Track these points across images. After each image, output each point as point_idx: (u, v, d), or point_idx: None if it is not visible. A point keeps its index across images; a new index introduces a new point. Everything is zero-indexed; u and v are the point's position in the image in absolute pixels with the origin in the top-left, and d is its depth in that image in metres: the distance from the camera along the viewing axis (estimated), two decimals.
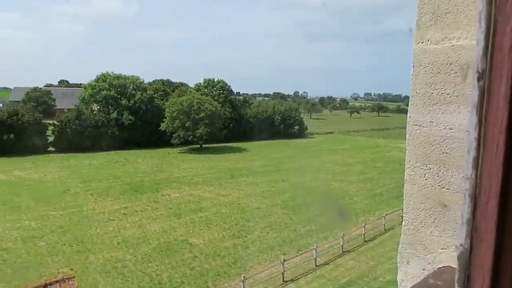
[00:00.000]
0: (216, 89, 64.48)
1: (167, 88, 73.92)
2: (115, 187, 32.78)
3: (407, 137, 1.36)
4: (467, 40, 1.16)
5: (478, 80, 0.44)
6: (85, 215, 25.50)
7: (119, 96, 55.52)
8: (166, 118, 52.01)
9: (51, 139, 50.41)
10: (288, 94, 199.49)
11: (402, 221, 1.43)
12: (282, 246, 21.40)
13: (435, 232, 1.32)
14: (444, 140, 1.26)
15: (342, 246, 21.01)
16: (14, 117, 46.48)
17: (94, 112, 54.82)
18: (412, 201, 1.35)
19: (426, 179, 1.30)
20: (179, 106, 51.10)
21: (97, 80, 57.74)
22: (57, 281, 7.44)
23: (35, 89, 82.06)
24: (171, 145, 53.29)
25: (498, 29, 0.40)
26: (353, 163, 46.83)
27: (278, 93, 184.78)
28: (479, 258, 0.45)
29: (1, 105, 68.92)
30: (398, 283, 1.46)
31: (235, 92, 75.47)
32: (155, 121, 54.08)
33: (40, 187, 32.31)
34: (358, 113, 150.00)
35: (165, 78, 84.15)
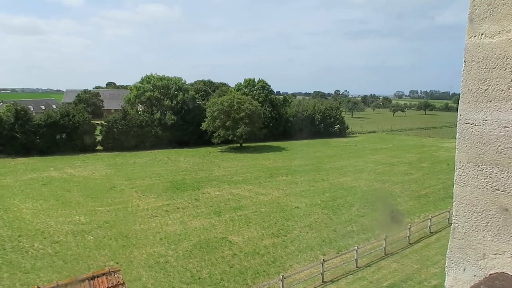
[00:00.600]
0: (256, 88, 64.77)
1: (208, 88, 75.29)
2: (158, 185, 33.83)
3: (457, 136, 1.29)
4: None
5: None
6: (129, 211, 26.51)
7: (162, 96, 57.21)
8: (207, 117, 52.95)
9: (99, 138, 52.89)
10: (328, 93, 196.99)
11: (451, 224, 1.36)
12: (321, 246, 21.15)
13: (487, 237, 1.25)
14: (498, 139, 1.19)
15: (384, 248, 20.42)
16: (66, 117, 49.22)
17: (139, 112, 56.86)
18: (462, 203, 1.28)
19: (478, 181, 1.23)
20: (220, 106, 51.85)
21: (141, 81, 59.83)
22: (103, 274, 7.76)
23: (85, 91, 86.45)
24: (212, 144, 54.21)
25: None
26: (396, 163, 45.40)
27: (319, 92, 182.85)
28: None
29: (55, 107, 73.20)
30: None
31: (275, 91, 75.37)
32: (196, 121, 55.23)
33: (89, 184, 33.99)
34: (403, 111, 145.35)
35: (206, 78, 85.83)
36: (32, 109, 63.09)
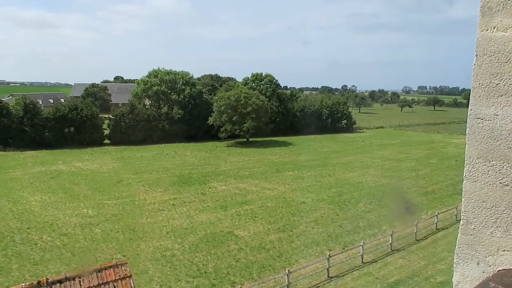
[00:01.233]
0: (264, 83, 64.61)
1: (215, 82, 75.37)
2: (164, 179, 34.01)
3: (467, 132, 1.28)
4: None
5: None
6: (137, 204, 26.71)
7: (169, 91, 57.31)
8: (214, 112, 52.99)
9: (106, 132, 53.23)
10: (336, 88, 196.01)
11: (460, 220, 1.35)
12: (327, 241, 21.16)
13: (496, 233, 1.24)
14: (510, 135, 1.17)
15: (391, 244, 20.38)
16: (74, 111, 49.55)
17: (146, 106, 57.06)
18: (472, 199, 1.27)
19: (488, 176, 1.21)
20: (227, 101, 51.84)
21: (149, 76, 59.95)
22: (111, 266, 7.84)
23: (93, 85, 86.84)
24: (219, 139, 54.29)
25: None
26: (404, 159, 45.14)
27: (326, 87, 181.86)
28: None
29: (63, 100, 73.73)
30: (454, 285, 1.38)
31: (282, 86, 75.12)
32: (203, 115, 55.30)
33: (97, 177, 34.27)
34: (410, 107, 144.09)
35: (213, 73, 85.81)
36: (41, 103, 63.60)
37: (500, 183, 1.20)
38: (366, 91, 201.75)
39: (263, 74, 66.08)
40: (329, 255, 17.75)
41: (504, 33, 1.14)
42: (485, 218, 1.25)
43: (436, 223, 23.48)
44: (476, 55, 1.22)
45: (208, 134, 55.68)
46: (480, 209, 1.25)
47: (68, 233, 21.48)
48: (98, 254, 18.90)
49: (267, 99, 58.48)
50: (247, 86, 61.37)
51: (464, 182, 1.29)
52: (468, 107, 1.29)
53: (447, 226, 23.76)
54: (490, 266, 1.25)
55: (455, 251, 1.36)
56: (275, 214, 25.21)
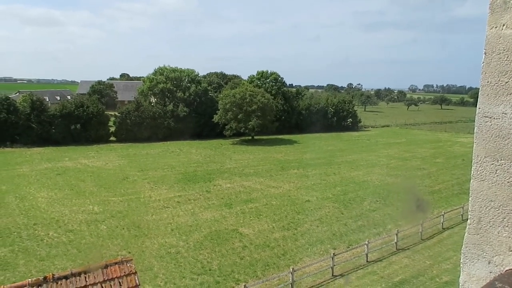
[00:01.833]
0: (269, 81, 64.54)
1: (220, 80, 75.36)
2: (170, 176, 34.12)
3: (475, 130, 1.26)
4: None
5: None
6: (142, 201, 26.83)
7: (175, 88, 57.44)
8: (219, 110, 53.02)
9: (112, 129, 53.47)
10: (341, 86, 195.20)
11: (467, 219, 1.34)
12: (332, 240, 21.13)
13: (504, 233, 1.22)
14: None
15: (396, 243, 20.31)
16: (80, 108, 49.83)
17: (152, 104, 57.23)
18: (479, 198, 1.25)
19: (496, 176, 1.20)
20: (232, 98, 51.85)
21: (154, 73, 60.11)
22: (116, 263, 7.87)
23: (99, 82, 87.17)
24: (224, 137, 54.34)
25: None
26: (410, 158, 44.92)
27: (332, 85, 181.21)
28: None
29: (69, 97, 74.13)
30: (460, 285, 1.37)
31: (287, 84, 74.97)
32: (208, 113, 55.37)
33: (102, 174, 34.46)
34: (416, 105, 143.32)
35: (219, 70, 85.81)
36: (47, 100, 64.00)
37: (508, 182, 1.19)
38: (372, 89, 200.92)
39: (269, 72, 66.00)
40: (333, 253, 17.72)
41: None
42: (492, 218, 1.23)
43: (442, 223, 23.36)
44: (485, 53, 1.20)
45: (213, 131, 55.76)
46: (487, 209, 1.24)
47: (74, 229, 21.63)
48: (104, 250, 19.01)
49: (273, 97, 58.42)
50: (253, 84, 61.32)
51: (471, 181, 1.28)
52: (475, 106, 1.28)
53: (453, 226, 23.62)
54: (497, 266, 1.24)
55: (462, 251, 1.35)
56: (279, 212, 25.21)
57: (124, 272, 7.76)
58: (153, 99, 58.86)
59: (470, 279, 1.32)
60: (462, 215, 24.06)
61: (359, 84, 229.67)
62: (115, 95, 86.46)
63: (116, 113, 54.82)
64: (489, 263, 1.26)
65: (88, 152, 44.46)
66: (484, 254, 1.27)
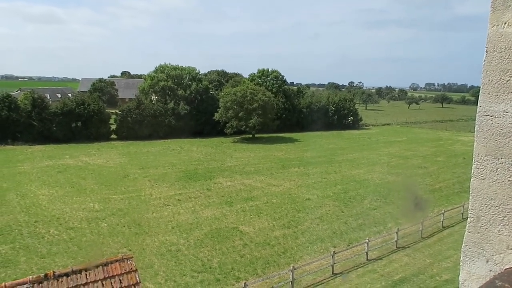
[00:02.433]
0: (270, 79, 64.48)
1: (221, 78, 75.29)
2: (170, 174, 34.15)
3: (476, 129, 1.26)
4: None
5: None
6: (142, 199, 26.86)
7: (176, 86, 57.41)
8: (220, 108, 53.01)
9: (113, 127, 53.50)
10: (342, 85, 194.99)
11: (467, 218, 1.34)
12: (332, 238, 21.14)
13: (504, 231, 1.22)
14: None
15: (396, 241, 20.32)
16: (81, 106, 49.84)
17: (153, 102, 57.23)
18: (479, 197, 1.25)
19: (497, 174, 1.20)
20: (233, 96, 51.81)
21: (155, 71, 60.07)
22: (116, 260, 7.89)
23: (100, 80, 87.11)
24: (224, 135, 54.35)
25: None
26: (410, 156, 44.91)
27: (333, 83, 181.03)
28: None
29: (70, 95, 74.15)
30: (460, 283, 1.37)
31: (289, 82, 74.92)
32: (209, 111, 55.35)
33: (103, 172, 34.50)
34: (417, 104, 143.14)
35: (220, 68, 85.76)
36: (48, 97, 64.02)
37: (509, 181, 1.18)
38: (373, 87, 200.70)
39: (269, 70, 65.94)
40: (334, 251, 17.74)
41: None
42: (492, 216, 1.23)
43: (442, 221, 23.36)
44: (486, 51, 1.20)
45: (214, 129, 55.75)
46: (488, 207, 1.24)
47: (75, 227, 21.67)
48: (104, 248, 19.04)
49: (273, 95, 58.37)
50: (254, 82, 61.28)
51: (472, 179, 1.27)
52: (477, 104, 1.28)
53: (453, 224, 23.63)
54: (497, 264, 1.24)
55: (462, 249, 1.35)
56: (280, 211, 25.23)
57: (125, 270, 7.78)
58: (154, 97, 58.85)
59: (470, 277, 1.32)
60: (462, 213, 24.06)
61: (360, 82, 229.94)
62: (116, 93, 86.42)
63: (117, 111, 54.82)
64: (489, 261, 1.26)
65: (89, 150, 44.51)
66: (484, 252, 1.27)
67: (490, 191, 1.22)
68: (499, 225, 1.23)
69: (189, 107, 55.65)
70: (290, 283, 15.99)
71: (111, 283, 7.50)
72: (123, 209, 24.64)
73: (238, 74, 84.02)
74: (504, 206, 1.21)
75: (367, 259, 18.85)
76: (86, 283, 7.30)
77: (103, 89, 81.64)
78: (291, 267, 16.07)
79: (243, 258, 18.55)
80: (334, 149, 48.67)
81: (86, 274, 7.39)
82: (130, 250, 18.25)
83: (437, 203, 27.24)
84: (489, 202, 1.23)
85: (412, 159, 43.55)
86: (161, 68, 59.67)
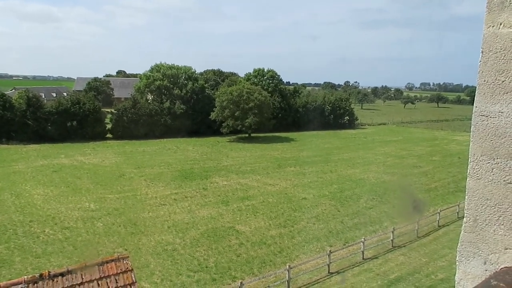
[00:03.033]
0: (266, 78, 64.49)
1: (217, 77, 75.23)
2: (166, 174, 34.07)
3: (471, 129, 1.27)
4: None
5: None
6: (138, 199, 26.79)
7: (171, 85, 57.27)
8: (216, 107, 52.95)
9: (109, 126, 53.29)
10: (338, 84, 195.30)
11: (463, 217, 1.34)
12: (328, 237, 21.19)
13: (499, 231, 1.23)
14: None
15: (392, 240, 20.40)
16: (77, 105, 49.60)
17: (149, 101, 57.06)
18: (475, 197, 1.26)
19: (492, 174, 1.21)
20: (229, 96, 51.77)
21: (151, 70, 59.89)
22: (112, 260, 7.87)
23: (96, 79, 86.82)
24: (221, 134, 54.29)
25: None
26: (406, 156, 45.09)
27: (329, 83, 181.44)
28: None
29: (66, 94, 73.81)
30: (456, 282, 1.38)
31: (285, 82, 75.00)
32: (205, 110, 55.27)
33: (99, 171, 34.36)
34: (413, 103, 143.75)
35: (216, 68, 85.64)
36: (43, 96, 63.69)
37: (504, 181, 1.19)
38: (368, 87, 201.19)
39: (266, 70, 65.96)
40: (330, 251, 17.79)
41: (510, 30, 1.13)
42: (488, 216, 1.24)
43: (438, 220, 23.48)
44: (482, 52, 1.21)
45: (210, 129, 55.69)
46: (483, 207, 1.25)
47: (70, 226, 21.57)
48: (100, 247, 18.98)
49: (270, 94, 58.40)
50: (249, 82, 61.26)
51: (467, 179, 1.28)
52: (472, 104, 1.28)
53: (449, 223, 23.75)
54: (492, 264, 1.25)
55: (458, 249, 1.35)
56: (276, 210, 25.25)
57: (121, 269, 7.76)
58: (149, 96, 58.66)
59: (466, 277, 1.32)
60: (458, 212, 24.19)
61: (356, 82, 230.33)
62: (111, 92, 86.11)
63: (113, 110, 54.59)
64: (484, 261, 1.27)
65: (85, 149, 44.31)
66: (480, 252, 1.28)
67: (486, 191, 1.23)
68: (494, 225, 1.24)
69: (185, 107, 55.53)
70: (286, 282, 16.01)
71: (107, 282, 7.48)
72: (118, 209, 24.56)
73: (234, 73, 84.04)
74: (499, 206, 1.21)
75: (363, 258, 18.91)
76: (82, 283, 7.27)
77: (98, 88, 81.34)
78: (287, 266, 16.10)
79: (239, 258, 18.55)
80: (330, 149, 48.77)
81: (81, 274, 7.36)
82: (126, 250, 18.20)
83: (432, 203, 27.37)
84: (484, 202, 1.24)
85: (407, 158, 43.73)
86: (157, 68, 59.50)
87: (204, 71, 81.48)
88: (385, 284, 16.73)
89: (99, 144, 47.74)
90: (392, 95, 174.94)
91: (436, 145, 54.52)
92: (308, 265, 17.42)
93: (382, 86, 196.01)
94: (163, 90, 57.40)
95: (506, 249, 1.22)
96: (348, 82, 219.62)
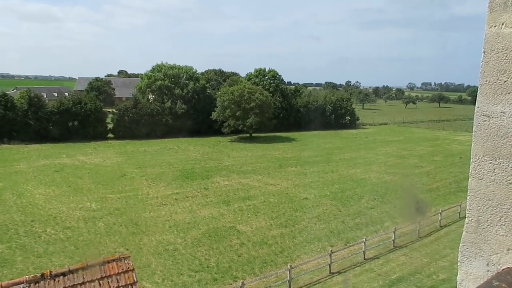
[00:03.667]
0: (267, 78, 64.48)
1: (218, 77, 75.28)
2: (167, 173, 34.10)
3: (473, 129, 1.26)
4: None
5: None
6: (140, 199, 26.81)
7: (173, 85, 57.29)
8: (217, 107, 52.96)
9: (110, 126, 53.35)
10: (340, 84, 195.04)
11: (465, 218, 1.34)
12: (329, 237, 21.17)
13: (501, 231, 1.23)
14: None
15: (393, 240, 20.37)
16: (78, 105, 49.68)
17: (150, 101, 57.10)
18: (477, 197, 1.26)
19: (495, 175, 1.20)
20: (230, 96, 51.78)
21: (152, 70, 59.91)
22: (113, 260, 7.87)
23: (97, 79, 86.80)
24: (222, 134, 54.31)
25: None
26: (407, 156, 45.03)
27: (330, 83, 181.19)
28: None
29: (67, 94, 73.91)
30: (458, 283, 1.37)
31: (286, 82, 75.00)
32: (206, 110, 55.29)
33: (100, 171, 34.40)
34: (414, 103, 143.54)
35: (217, 67, 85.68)
36: (45, 96, 63.72)
37: (506, 181, 1.19)
38: (370, 87, 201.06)
39: (267, 70, 65.94)
40: (331, 251, 17.78)
41: None
42: (490, 217, 1.24)
43: (439, 220, 23.43)
44: (484, 52, 1.20)
45: (211, 129, 55.71)
46: (485, 208, 1.24)
47: (72, 226, 21.60)
48: (101, 247, 19.01)
49: (271, 94, 58.40)
50: (251, 82, 61.26)
51: (469, 180, 1.28)
52: (473, 104, 1.28)
53: (450, 224, 23.70)
54: (494, 264, 1.25)
55: (459, 249, 1.35)
56: (277, 210, 25.24)
57: (122, 269, 7.76)
58: (151, 96, 58.71)
59: (468, 277, 1.32)
60: (459, 213, 24.14)
61: (357, 82, 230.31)
62: (113, 92, 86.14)
63: (114, 110, 54.67)
64: (486, 261, 1.27)
65: (86, 149, 44.36)
66: (482, 252, 1.27)
67: (488, 191, 1.23)
68: (496, 225, 1.23)
69: (186, 106, 55.56)
70: (287, 282, 16.01)
71: (108, 282, 7.49)
72: (120, 209, 24.58)
73: (236, 73, 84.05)
74: (501, 207, 1.21)
75: (364, 258, 18.88)
76: (83, 283, 7.28)
77: (100, 88, 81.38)
78: (289, 266, 16.09)
79: (241, 257, 18.55)
80: (331, 149, 48.73)
81: (83, 274, 7.37)
82: (127, 250, 18.22)
83: (434, 203, 27.32)
84: (486, 203, 1.24)
85: (409, 158, 43.67)
86: (158, 67, 59.54)
87: (206, 71, 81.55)
88: (387, 284, 16.71)
89: (100, 144, 47.79)
90: (394, 95, 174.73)
91: (438, 145, 54.43)
92: (309, 265, 17.41)
93: (384, 86, 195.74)
94: (165, 90, 57.44)
95: (508, 249, 1.21)
96: (349, 82, 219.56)
